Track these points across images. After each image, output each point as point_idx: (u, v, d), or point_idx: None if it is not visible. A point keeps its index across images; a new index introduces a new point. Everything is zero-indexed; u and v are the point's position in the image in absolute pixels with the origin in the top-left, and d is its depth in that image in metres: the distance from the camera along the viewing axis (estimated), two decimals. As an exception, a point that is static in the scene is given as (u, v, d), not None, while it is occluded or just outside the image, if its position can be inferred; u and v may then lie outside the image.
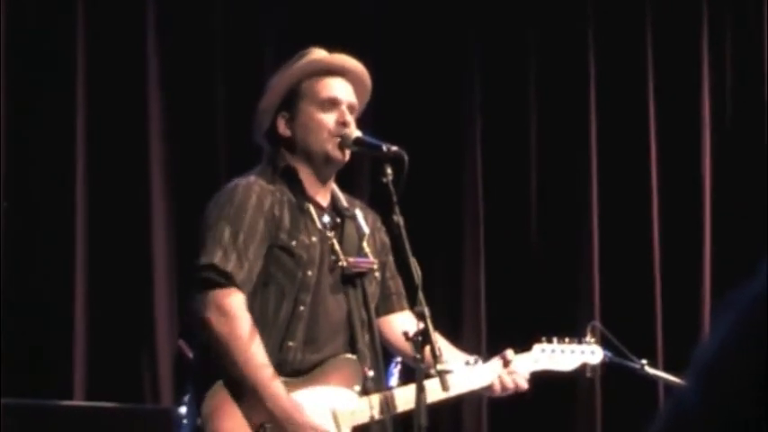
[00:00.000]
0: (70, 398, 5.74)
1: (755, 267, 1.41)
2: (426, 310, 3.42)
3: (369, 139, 3.69)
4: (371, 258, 3.74)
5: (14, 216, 5.82)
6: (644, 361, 4.73)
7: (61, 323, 5.85)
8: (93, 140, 5.99)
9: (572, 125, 6.62)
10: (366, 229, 3.77)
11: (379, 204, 3.82)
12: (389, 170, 3.56)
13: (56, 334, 5.86)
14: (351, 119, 3.70)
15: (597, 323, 4.88)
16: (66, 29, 5.98)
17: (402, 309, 3.87)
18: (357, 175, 5.88)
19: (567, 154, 6.61)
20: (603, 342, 4.73)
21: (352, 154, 3.75)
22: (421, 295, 3.46)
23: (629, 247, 6.57)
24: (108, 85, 6.03)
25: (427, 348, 3.39)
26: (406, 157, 3.54)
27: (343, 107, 3.70)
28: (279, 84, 3.73)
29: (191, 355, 5.07)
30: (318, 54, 3.77)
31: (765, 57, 6.59)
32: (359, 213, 3.80)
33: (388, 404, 3.60)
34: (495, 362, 3.81)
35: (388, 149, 3.59)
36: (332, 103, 3.70)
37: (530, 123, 6.60)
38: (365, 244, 3.75)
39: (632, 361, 4.71)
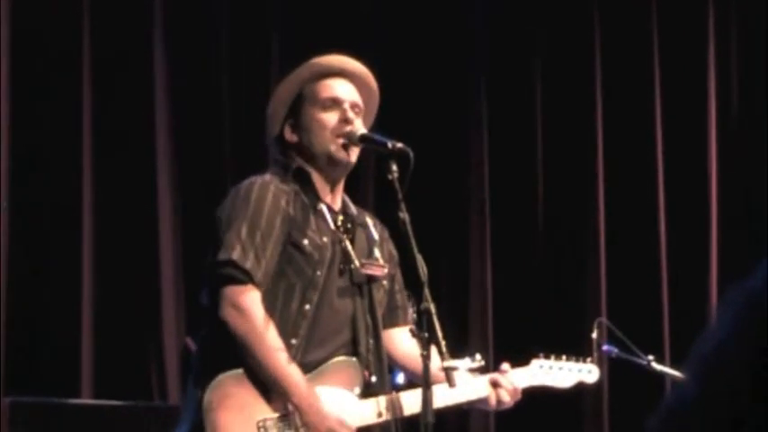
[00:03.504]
0: (78, 396, 5.75)
1: (761, 263, 1.43)
2: (432, 308, 3.42)
3: (374, 135, 3.69)
4: (382, 263, 3.75)
5: (21, 214, 5.83)
6: (651, 357, 4.74)
7: (69, 321, 5.86)
8: (99, 138, 6.00)
9: (578, 122, 6.62)
10: (377, 237, 3.77)
11: (385, 202, 3.83)
12: (395, 167, 3.56)
13: (63, 332, 5.87)
14: (354, 116, 3.69)
15: (604, 319, 4.90)
16: (72, 25, 5.98)
17: (406, 323, 3.86)
18: (362, 176, 5.89)
19: (574, 151, 6.61)
20: (611, 338, 4.74)
21: (358, 155, 3.75)
22: (427, 292, 3.46)
23: (635, 244, 6.58)
24: (114, 82, 6.04)
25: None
26: (411, 154, 3.54)
27: (345, 105, 3.69)
28: (281, 93, 3.74)
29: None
30: (319, 59, 3.78)
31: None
32: (369, 222, 3.80)
33: (390, 408, 3.60)
34: (492, 376, 3.80)
35: (394, 146, 3.58)
36: (333, 102, 3.69)
37: (536, 120, 6.60)
38: (376, 250, 3.75)
39: (639, 357, 4.72)
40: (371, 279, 3.70)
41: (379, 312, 3.73)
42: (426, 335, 3.39)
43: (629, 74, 6.66)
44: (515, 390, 3.80)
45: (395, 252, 3.85)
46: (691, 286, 6.53)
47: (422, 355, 3.43)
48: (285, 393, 3.49)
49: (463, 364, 3.65)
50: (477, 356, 3.77)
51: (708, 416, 1.39)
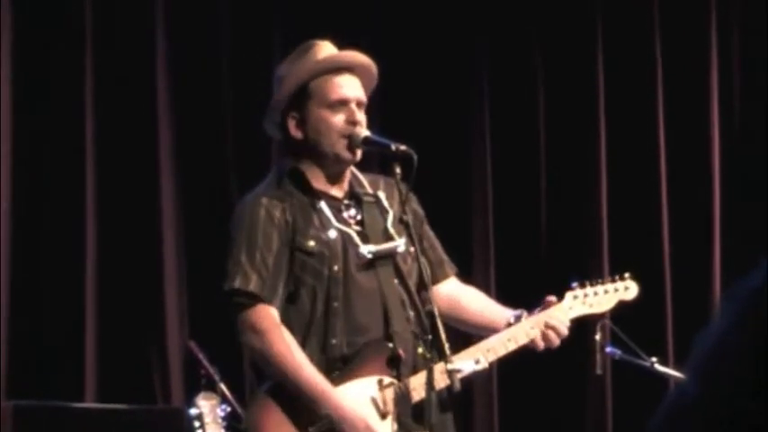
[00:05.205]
0: (81, 399, 5.74)
1: (762, 262, 1.43)
2: (436, 310, 3.42)
3: (377, 138, 3.68)
4: (396, 241, 3.71)
5: (24, 216, 5.83)
6: (654, 358, 4.73)
7: (72, 325, 5.85)
8: (102, 138, 5.97)
9: (581, 120, 6.60)
10: (389, 210, 3.75)
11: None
12: (398, 169, 3.56)
13: (66, 335, 5.86)
14: (360, 116, 3.69)
15: (608, 321, 4.88)
16: (74, 25, 5.97)
17: (445, 277, 3.87)
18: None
19: (576, 149, 6.59)
20: (614, 340, 4.73)
21: (362, 153, 3.74)
22: (431, 294, 3.46)
23: (638, 244, 6.56)
24: (116, 81, 6.02)
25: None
26: (414, 156, 3.54)
27: (353, 105, 3.69)
28: (287, 84, 3.72)
29: (200, 356, 5.09)
30: (325, 51, 3.76)
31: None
32: (381, 194, 3.78)
33: (426, 383, 3.59)
34: (534, 318, 3.79)
35: (397, 148, 3.59)
36: (341, 104, 3.69)
37: (538, 112, 6.57)
38: (389, 225, 3.74)
39: (643, 359, 4.71)
40: (392, 255, 3.70)
41: (412, 282, 3.71)
42: (430, 337, 3.40)
43: (632, 72, 6.64)
44: (558, 328, 3.77)
45: (419, 209, 3.81)
46: (694, 288, 6.52)
47: (425, 358, 3.43)
48: (316, 405, 3.53)
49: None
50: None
51: (709, 411, 1.39)
